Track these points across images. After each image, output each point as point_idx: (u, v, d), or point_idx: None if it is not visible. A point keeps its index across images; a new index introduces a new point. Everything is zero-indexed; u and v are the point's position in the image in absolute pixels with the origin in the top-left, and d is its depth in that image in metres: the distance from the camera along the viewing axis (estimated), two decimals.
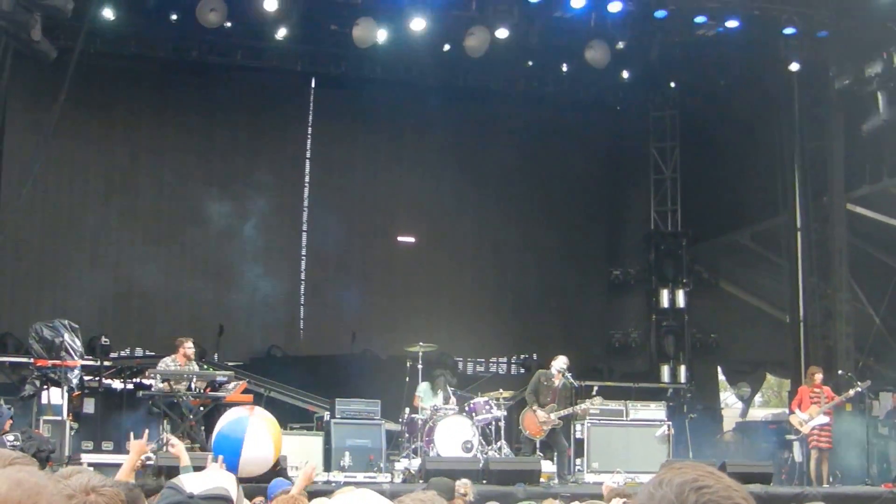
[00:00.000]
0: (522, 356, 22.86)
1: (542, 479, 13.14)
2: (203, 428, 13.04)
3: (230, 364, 17.47)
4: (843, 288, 18.58)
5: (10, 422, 12.17)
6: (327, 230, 21.50)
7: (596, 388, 15.41)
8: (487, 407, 14.41)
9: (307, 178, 22.28)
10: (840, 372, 16.84)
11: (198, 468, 6.56)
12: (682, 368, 21.57)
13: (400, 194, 22.62)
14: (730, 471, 11.80)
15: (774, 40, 17.95)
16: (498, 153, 22.54)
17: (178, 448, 7.04)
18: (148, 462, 10.25)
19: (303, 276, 22.03)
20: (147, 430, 8.39)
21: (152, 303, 20.51)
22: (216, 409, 13.03)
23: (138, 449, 6.46)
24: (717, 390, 24.55)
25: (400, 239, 22.59)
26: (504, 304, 22.58)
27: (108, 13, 17.59)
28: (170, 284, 20.72)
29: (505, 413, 14.74)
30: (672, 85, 21.77)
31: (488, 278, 22.64)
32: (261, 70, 20.01)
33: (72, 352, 13.55)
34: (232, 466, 8.07)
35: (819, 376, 14.93)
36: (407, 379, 15.08)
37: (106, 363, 16.13)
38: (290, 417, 15.87)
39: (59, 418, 13.19)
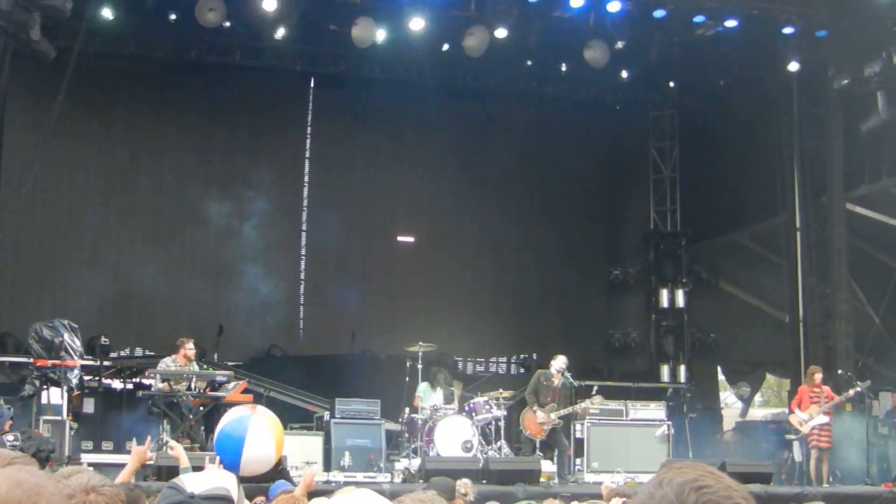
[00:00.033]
0: (522, 356, 22.86)
1: (541, 479, 13.14)
2: (203, 428, 13.04)
3: (230, 364, 17.46)
4: (842, 287, 18.58)
5: (11, 422, 12.17)
6: (327, 230, 21.50)
7: (596, 388, 15.41)
8: (487, 407, 14.41)
9: (306, 178, 22.28)
10: (840, 372, 16.84)
11: (197, 468, 6.56)
12: (682, 368, 21.57)
13: (399, 194, 22.62)
14: (730, 471, 11.79)
15: (773, 40, 17.95)
16: (497, 153, 22.54)
17: (178, 451, 7.04)
18: (147, 462, 10.24)
19: (302, 276, 22.03)
20: (149, 437, 8.38)
21: (152, 303, 20.50)
22: (216, 409, 13.04)
23: (139, 456, 6.46)
24: (717, 390, 24.56)
25: (399, 239, 22.59)
26: (503, 303, 22.58)
27: (106, 13, 17.59)
28: (169, 284, 20.72)
29: (505, 413, 14.74)
30: (671, 85, 21.78)
31: (488, 278, 22.64)
32: (260, 70, 20.00)
33: (71, 352, 13.56)
34: (233, 465, 8.07)
35: (819, 376, 14.93)
36: (407, 379, 15.09)
37: (105, 363, 16.15)
38: (289, 417, 15.86)
39: (58, 418, 13.19)
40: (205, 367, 14.55)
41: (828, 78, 17.96)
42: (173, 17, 18.05)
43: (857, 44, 17.30)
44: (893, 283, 18.73)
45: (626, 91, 21.74)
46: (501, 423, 14.54)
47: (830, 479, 14.52)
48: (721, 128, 21.12)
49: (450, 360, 19.74)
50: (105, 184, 20.95)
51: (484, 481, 12.31)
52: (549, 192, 22.97)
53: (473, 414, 14.23)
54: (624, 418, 15.41)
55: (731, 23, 17.46)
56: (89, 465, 11.73)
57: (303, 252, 22.14)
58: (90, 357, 15.73)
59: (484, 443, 14.15)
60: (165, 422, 13.04)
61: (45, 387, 13.40)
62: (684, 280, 21.86)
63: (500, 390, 15.19)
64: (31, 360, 13.66)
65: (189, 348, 13.64)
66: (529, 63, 20.13)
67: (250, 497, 6.84)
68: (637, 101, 22.34)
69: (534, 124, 22.61)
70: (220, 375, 13.46)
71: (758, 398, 30.31)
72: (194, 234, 20.84)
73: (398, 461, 14.47)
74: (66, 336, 13.55)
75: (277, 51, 19.39)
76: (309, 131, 22.27)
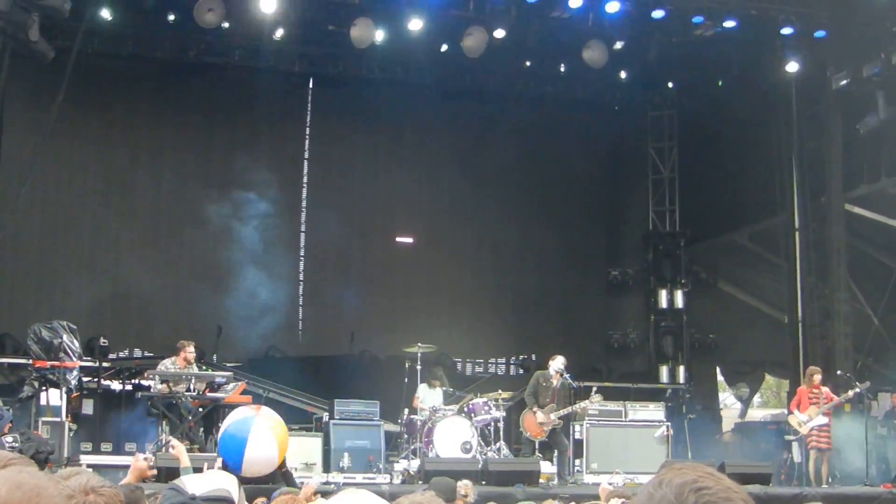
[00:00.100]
0: (521, 357, 22.87)
1: (541, 480, 13.14)
2: (202, 429, 13.04)
3: (229, 365, 17.45)
4: (841, 288, 18.59)
5: (10, 425, 12.17)
6: (326, 230, 21.50)
7: (595, 388, 15.41)
8: (486, 408, 14.41)
9: (305, 179, 22.28)
10: (839, 372, 16.83)
11: (196, 469, 6.56)
12: (681, 369, 21.57)
13: (398, 194, 22.62)
14: (729, 471, 11.81)
15: (772, 40, 17.97)
16: (496, 153, 22.54)
17: (179, 449, 7.05)
18: (146, 478, 10.24)
19: (301, 277, 22.03)
20: (153, 455, 8.35)
21: (151, 303, 20.50)
22: (215, 410, 13.04)
23: (138, 472, 6.45)
24: (716, 391, 24.58)
25: (398, 239, 22.59)
26: (503, 304, 22.57)
27: (105, 13, 17.59)
28: (168, 285, 20.72)
29: (504, 414, 14.74)
30: (670, 85, 21.79)
31: (487, 279, 22.63)
32: (259, 70, 19.98)
33: (70, 353, 13.54)
34: (235, 465, 8.08)
35: (818, 377, 14.92)
36: (406, 380, 15.08)
37: (104, 364, 16.14)
38: (289, 418, 15.73)
39: (57, 419, 13.18)
40: (204, 368, 14.54)
41: (826, 78, 17.97)
42: (172, 17, 18.06)
43: (855, 44, 17.32)
44: (892, 284, 18.75)
45: (624, 91, 21.75)
46: (500, 424, 14.54)
47: (829, 480, 14.51)
48: (720, 128, 21.13)
49: (448, 362, 19.73)
50: (104, 184, 20.96)
51: (483, 482, 12.31)
52: (548, 193, 22.98)
53: (472, 415, 14.23)
54: (623, 419, 15.40)
55: (729, 23, 17.47)
56: (88, 466, 11.72)
57: (302, 252, 22.14)
58: (89, 358, 15.72)
59: (483, 444, 14.15)
60: (164, 423, 13.02)
61: (43, 388, 13.39)
62: (683, 280, 21.86)
63: (499, 391, 15.20)
64: (30, 361, 13.65)
65: (190, 352, 13.63)
66: (528, 63, 20.14)
67: (251, 499, 6.84)
68: (636, 102, 22.34)
69: (533, 125, 22.61)
70: (220, 377, 13.45)
71: (757, 399, 30.35)
72: (193, 234, 20.84)
73: (397, 462, 14.47)
74: (64, 337, 13.54)
75: (276, 51, 19.39)
76: (308, 132, 22.28)
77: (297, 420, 16.76)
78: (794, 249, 19.52)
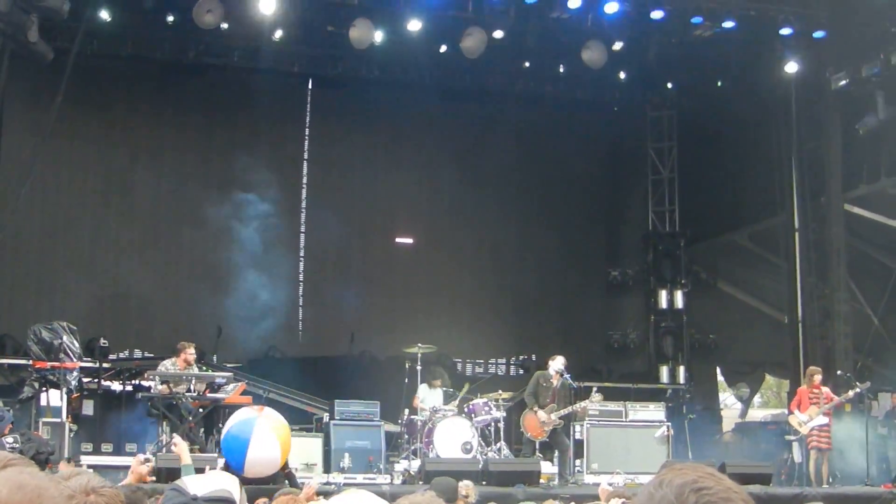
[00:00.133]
0: (521, 357, 22.87)
1: (541, 480, 13.14)
2: (202, 430, 13.04)
3: (229, 366, 17.45)
4: (841, 288, 18.59)
5: (11, 426, 12.17)
6: (326, 231, 21.50)
7: (595, 388, 15.41)
8: (487, 408, 14.40)
9: (305, 179, 22.30)
10: (839, 373, 16.84)
11: (198, 470, 6.57)
12: (681, 369, 21.57)
13: (398, 195, 22.63)
14: (729, 471, 11.81)
15: (771, 41, 17.97)
16: (495, 154, 22.54)
17: (181, 446, 7.05)
18: (147, 463, 10.24)
19: (301, 278, 22.03)
20: (154, 456, 8.33)
21: (151, 304, 20.51)
22: (215, 410, 13.04)
23: (137, 476, 6.46)
24: (716, 391, 24.57)
25: (398, 240, 22.60)
26: (503, 304, 22.58)
27: (104, 14, 17.59)
28: (168, 285, 20.74)
29: (504, 414, 14.73)
30: (669, 85, 21.79)
31: (487, 279, 22.63)
32: (258, 71, 19.98)
33: (70, 353, 13.55)
34: (238, 466, 8.09)
35: (818, 377, 14.92)
36: (406, 380, 15.07)
37: (105, 365, 16.14)
38: (289, 419, 15.73)
39: (58, 420, 13.18)
40: (204, 368, 14.54)
41: (826, 78, 17.98)
42: (171, 18, 18.06)
43: (855, 44, 17.32)
44: (892, 284, 18.75)
45: (624, 92, 21.75)
46: (501, 425, 14.53)
47: (830, 480, 14.52)
48: (719, 128, 21.14)
49: (448, 363, 19.73)
50: (104, 185, 20.96)
51: (483, 483, 12.31)
52: (547, 193, 22.99)
53: (473, 415, 14.23)
54: (623, 419, 15.39)
55: (728, 24, 17.46)
56: (88, 466, 11.72)
57: (301, 253, 22.15)
58: (89, 359, 15.73)
59: (483, 444, 14.15)
60: (165, 424, 13.02)
61: (44, 389, 13.40)
62: (683, 281, 21.86)
63: (500, 391, 15.19)
64: (31, 362, 13.65)
65: (190, 353, 13.62)
66: (527, 64, 20.13)
67: (253, 499, 6.84)
68: (635, 102, 22.34)
69: (532, 125, 22.61)
70: (220, 377, 13.45)
71: (757, 399, 30.34)
72: (193, 234, 20.84)
73: (398, 463, 14.46)
74: (65, 338, 13.55)
75: (275, 52, 19.38)
76: (307, 132, 22.29)
77: (298, 420, 16.73)
78: (793, 249, 19.52)
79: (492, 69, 20.23)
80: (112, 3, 17.54)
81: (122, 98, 20.75)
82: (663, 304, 21.91)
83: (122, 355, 19.39)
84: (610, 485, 10.40)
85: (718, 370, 23.82)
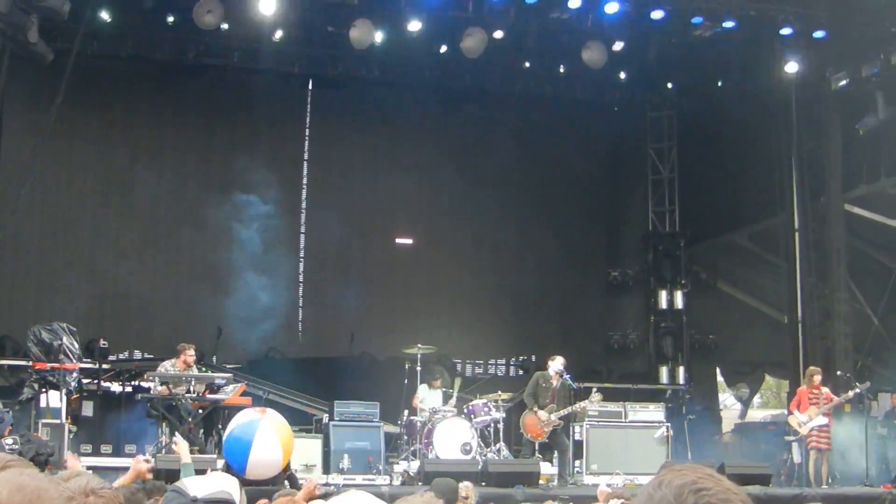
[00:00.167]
0: (521, 358, 22.87)
1: (541, 481, 13.14)
2: (202, 431, 13.04)
3: (228, 366, 17.46)
4: (841, 288, 18.60)
5: (10, 428, 12.16)
6: (325, 231, 21.50)
7: (595, 388, 15.41)
8: (486, 409, 14.40)
9: (305, 180, 22.29)
10: (839, 373, 16.84)
11: (198, 471, 6.57)
12: (681, 369, 21.57)
13: (398, 195, 22.62)
14: (729, 472, 11.82)
15: (771, 41, 17.97)
16: (495, 154, 22.54)
17: (181, 445, 7.04)
18: (145, 479, 10.24)
19: (301, 278, 22.03)
20: (153, 459, 8.32)
21: (150, 305, 20.51)
22: (215, 411, 13.04)
23: (137, 471, 6.45)
24: (716, 391, 24.57)
25: (398, 240, 22.59)
26: (502, 305, 22.57)
27: (104, 15, 17.60)
28: (168, 286, 20.74)
29: (504, 415, 14.72)
30: (669, 86, 21.80)
31: (487, 279, 22.63)
32: (258, 72, 19.98)
33: (70, 355, 13.54)
34: (240, 468, 8.09)
35: (818, 377, 14.92)
36: (405, 381, 15.07)
37: (104, 366, 16.15)
38: (288, 420, 15.72)
39: (57, 421, 13.18)
40: (203, 369, 14.54)
41: (826, 78, 17.98)
42: (171, 19, 18.06)
43: (855, 44, 17.32)
44: (892, 284, 18.75)
45: (624, 92, 21.76)
46: (500, 426, 14.52)
47: (829, 481, 14.52)
48: (719, 128, 21.14)
49: (448, 362, 19.73)
50: (104, 185, 20.96)
51: (483, 483, 12.30)
52: (547, 194, 22.98)
53: (472, 416, 14.22)
54: (623, 420, 15.39)
55: (728, 24, 17.47)
56: (88, 468, 11.72)
57: (301, 254, 22.15)
58: (89, 360, 15.73)
59: (483, 445, 14.14)
60: (164, 425, 13.02)
61: (43, 390, 13.39)
62: (683, 281, 21.86)
63: (499, 392, 15.19)
64: (30, 363, 13.65)
65: (190, 355, 13.64)
66: (527, 64, 20.13)
67: (253, 501, 6.83)
68: (635, 102, 22.35)
69: (532, 125, 22.61)
70: (219, 378, 13.45)
71: (757, 399, 30.34)
72: (193, 235, 20.84)
73: (397, 463, 14.46)
74: (64, 339, 13.54)
75: (275, 53, 19.38)
76: (307, 133, 22.29)
77: (297, 421, 16.69)
78: (793, 250, 19.53)
79: (492, 69, 20.22)
80: (112, 3, 17.54)
81: (122, 99, 20.75)
82: (663, 304, 21.91)
83: (121, 356, 19.39)
84: (609, 486, 10.39)
85: (718, 370, 23.81)
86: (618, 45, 18.01)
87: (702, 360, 22.24)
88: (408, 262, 22.39)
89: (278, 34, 18.09)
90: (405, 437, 14.55)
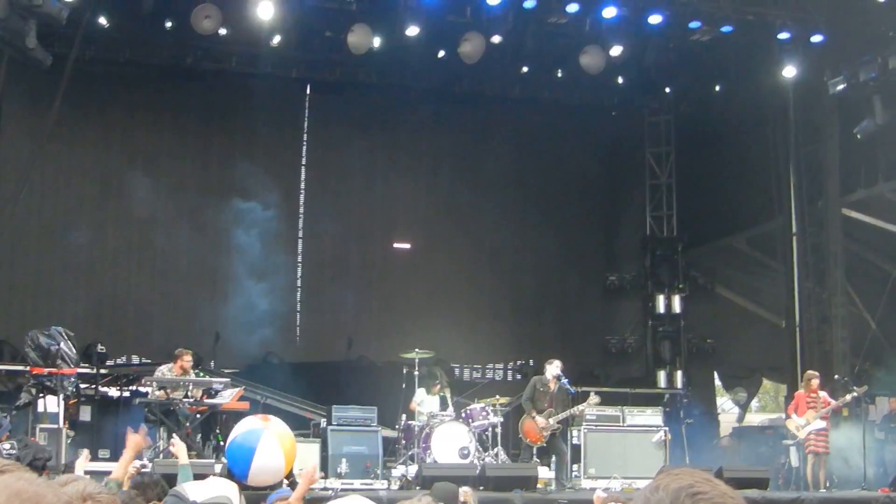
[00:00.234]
0: (519, 362, 22.87)
1: (539, 486, 13.13)
2: (199, 435, 13.03)
3: (226, 371, 17.45)
4: (838, 292, 18.61)
5: (8, 433, 12.16)
6: (323, 236, 21.49)
7: (593, 392, 15.40)
8: (484, 413, 14.38)
9: (303, 184, 22.29)
10: (836, 377, 16.84)
11: (196, 476, 6.56)
12: (679, 374, 21.58)
13: (396, 200, 22.63)
14: (726, 476, 11.82)
15: (769, 45, 17.99)
16: (493, 158, 22.55)
17: (179, 447, 7.04)
18: (143, 470, 10.23)
19: (299, 283, 22.01)
20: (145, 427, 8.35)
21: (148, 310, 20.49)
22: (212, 416, 13.03)
23: (135, 444, 6.44)
24: (714, 395, 24.57)
25: (396, 245, 22.59)
26: (500, 309, 22.56)
27: (102, 20, 17.58)
28: (166, 291, 20.72)
29: (502, 419, 14.72)
30: (667, 90, 21.80)
31: (484, 284, 22.62)
32: (256, 76, 19.99)
33: (68, 360, 13.53)
34: (242, 475, 8.10)
35: (816, 381, 14.91)
36: (403, 385, 15.06)
37: (102, 371, 16.12)
38: (287, 424, 15.81)
39: (55, 426, 13.17)
40: (201, 374, 14.53)
41: (823, 83, 17.98)
42: (169, 24, 18.03)
43: (852, 48, 17.33)
44: (889, 288, 18.76)
45: (622, 96, 21.76)
46: (498, 430, 14.52)
47: (827, 485, 14.51)
48: (717, 133, 21.16)
49: (446, 367, 19.72)
50: (102, 189, 20.95)
51: (481, 488, 12.29)
52: (545, 198, 22.99)
53: (470, 420, 14.21)
54: (621, 424, 15.40)
55: (726, 28, 17.49)
56: (85, 472, 11.70)
57: (299, 258, 22.13)
58: (86, 365, 15.70)
59: (481, 449, 14.13)
60: (162, 429, 13.01)
61: (41, 395, 13.39)
62: (681, 285, 21.87)
63: (497, 396, 15.16)
64: (28, 368, 13.65)
65: (187, 360, 13.62)
66: (525, 69, 20.13)
67: None
68: (633, 107, 22.37)
69: (530, 130, 22.63)
70: (217, 383, 13.44)
71: (754, 403, 30.36)
72: (191, 239, 20.82)
73: (395, 468, 14.44)
74: (62, 344, 13.53)
75: (273, 57, 19.38)
76: (305, 138, 22.29)
77: (295, 426, 16.62)
78: (791, 254, 19.55)
79: (490, 74, 20.23)
80: (110, 8, 17.53)
81: (120, 103, 20.75)
82: (661, 308, 21.92)
83: (119, 361, 19.38)
84: (605, 490, 10.38)
85: (716, 375, 23.82)
86: (616, 50, 18.01)
87: (700, 365, 22.25)
88: (406, 266, 22.40)
89: (276, 39, 18.08)
90: (403, 442, 14.53)
